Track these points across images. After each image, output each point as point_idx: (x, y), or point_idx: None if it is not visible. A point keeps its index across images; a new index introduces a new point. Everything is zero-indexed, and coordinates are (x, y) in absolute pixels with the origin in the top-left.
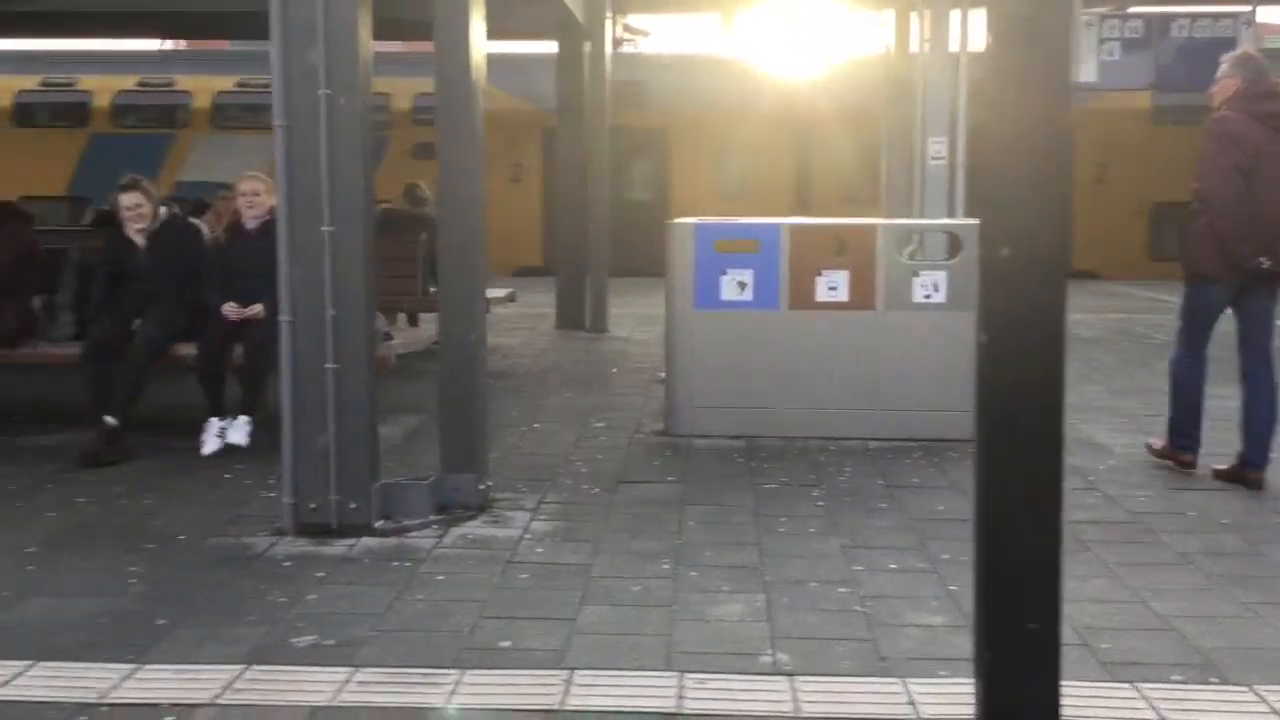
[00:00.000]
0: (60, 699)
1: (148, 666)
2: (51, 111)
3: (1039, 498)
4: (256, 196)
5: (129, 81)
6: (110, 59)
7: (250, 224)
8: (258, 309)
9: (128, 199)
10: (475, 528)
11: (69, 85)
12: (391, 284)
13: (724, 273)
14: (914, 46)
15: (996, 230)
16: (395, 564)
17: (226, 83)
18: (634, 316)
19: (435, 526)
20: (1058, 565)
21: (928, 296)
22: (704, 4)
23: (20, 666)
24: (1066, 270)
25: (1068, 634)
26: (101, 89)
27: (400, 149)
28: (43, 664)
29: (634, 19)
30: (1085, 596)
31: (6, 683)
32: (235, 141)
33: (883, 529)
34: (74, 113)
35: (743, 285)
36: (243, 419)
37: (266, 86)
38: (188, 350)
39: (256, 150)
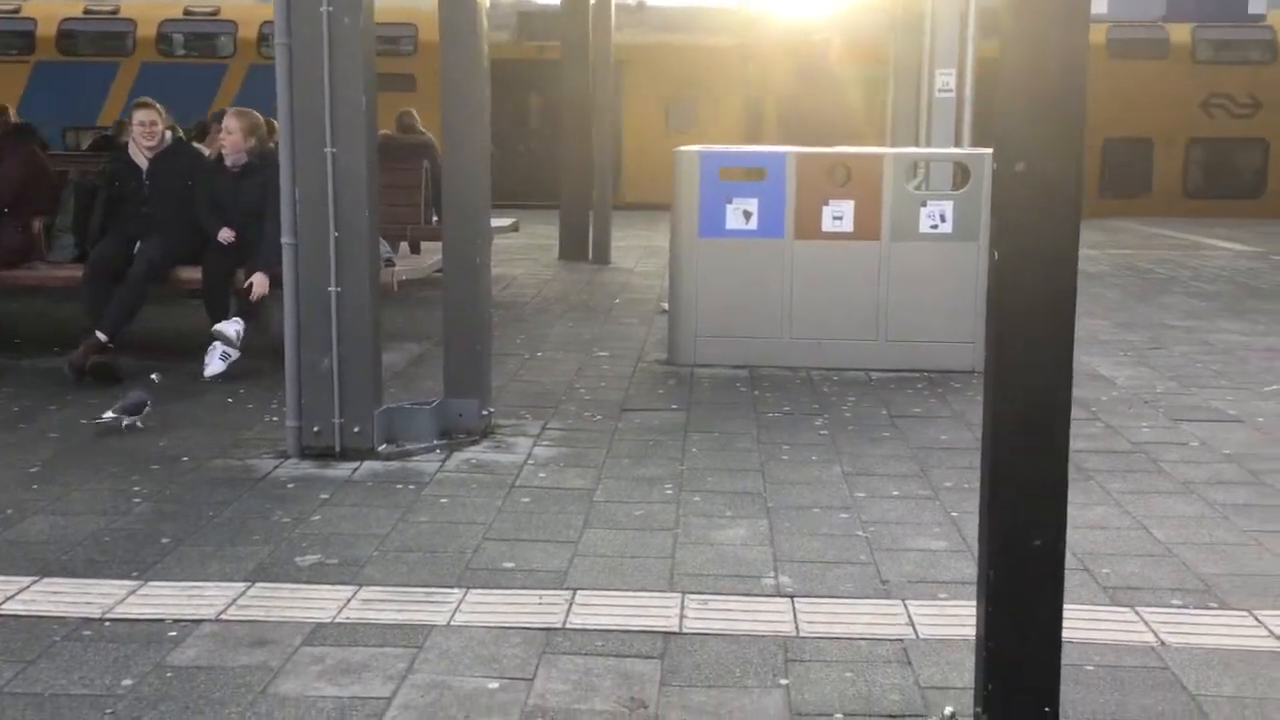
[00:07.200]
0: (65, 614)
1: (152, 583)
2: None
3: (1048, 408)
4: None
5: None
6: None
7: (229, 160)
8: (228, 234)
9: (142, 115)
10: (478, 452)
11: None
12: (394, 212)
13: (729, 201)
14: None
15: (1012, 146)
16: (399, 487)
17: None
18: (638, 248)
19: (438, 451)
20: (1064, 481)
21: (934, 226)
22: None
23: (25, 582)
24: (1079, 188)
25: (1068, 559)
26: None
27: None
28: (47, 579)
29: None
30: (1087, 523)
31: (10, 597)
32: None
33: (885, 457)
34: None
35: (748, 214)
36: (236, 318)
37: None
38: (189, 274)
39: None
